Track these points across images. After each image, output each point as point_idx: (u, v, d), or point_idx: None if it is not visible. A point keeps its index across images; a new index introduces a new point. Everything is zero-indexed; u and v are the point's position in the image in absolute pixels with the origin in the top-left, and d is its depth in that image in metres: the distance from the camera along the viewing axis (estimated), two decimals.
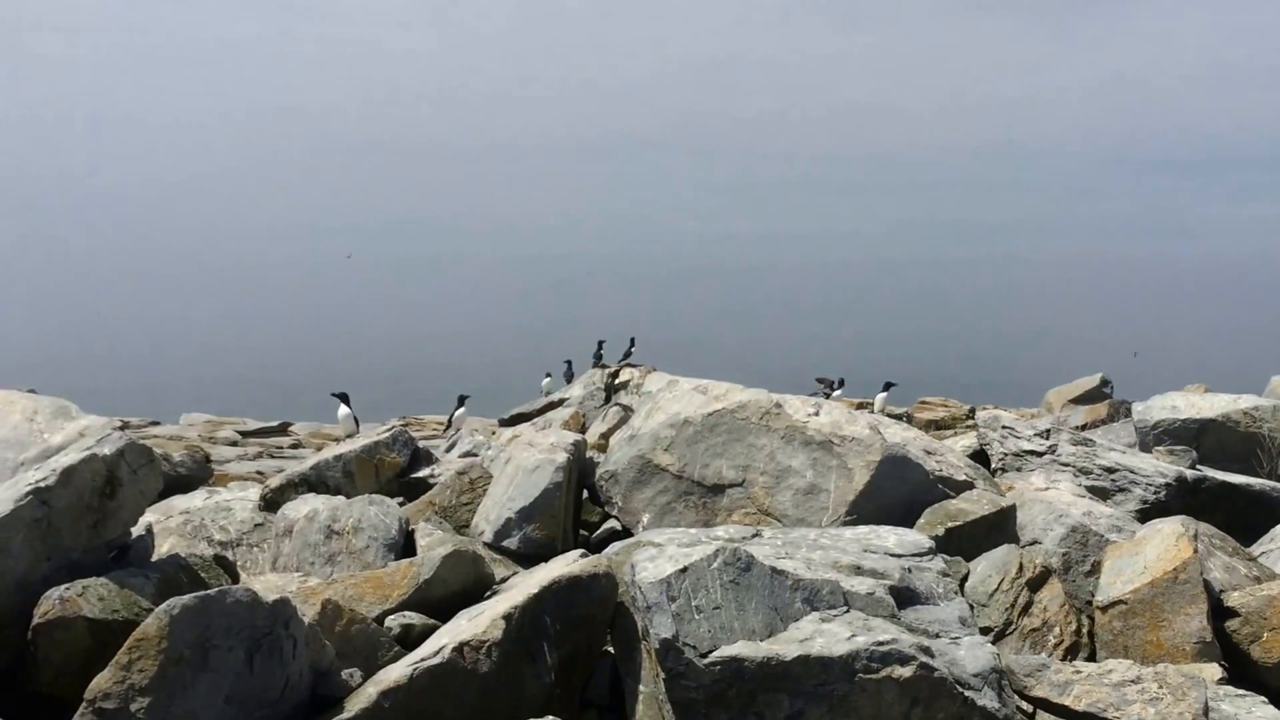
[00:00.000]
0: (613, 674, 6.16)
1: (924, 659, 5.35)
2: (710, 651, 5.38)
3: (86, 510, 6.03)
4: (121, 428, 6.51)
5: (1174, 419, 10.86)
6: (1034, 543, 7.88)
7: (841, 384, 17.29)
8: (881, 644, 5.36)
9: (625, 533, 8.35)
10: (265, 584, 6.63)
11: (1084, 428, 13.30)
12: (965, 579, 7.04)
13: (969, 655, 5.51)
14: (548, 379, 18.85)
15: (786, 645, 5.39)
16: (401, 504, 8.69)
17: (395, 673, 5.54)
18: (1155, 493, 9.03)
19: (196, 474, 11.31)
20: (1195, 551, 6.74)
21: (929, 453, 8.87)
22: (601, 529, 8.78)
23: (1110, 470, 9.32)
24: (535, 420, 14.46)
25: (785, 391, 9.07)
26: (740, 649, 5.36)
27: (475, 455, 10.55)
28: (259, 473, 12.99)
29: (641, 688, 5.80)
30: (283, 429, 19.16)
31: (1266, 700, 5.85)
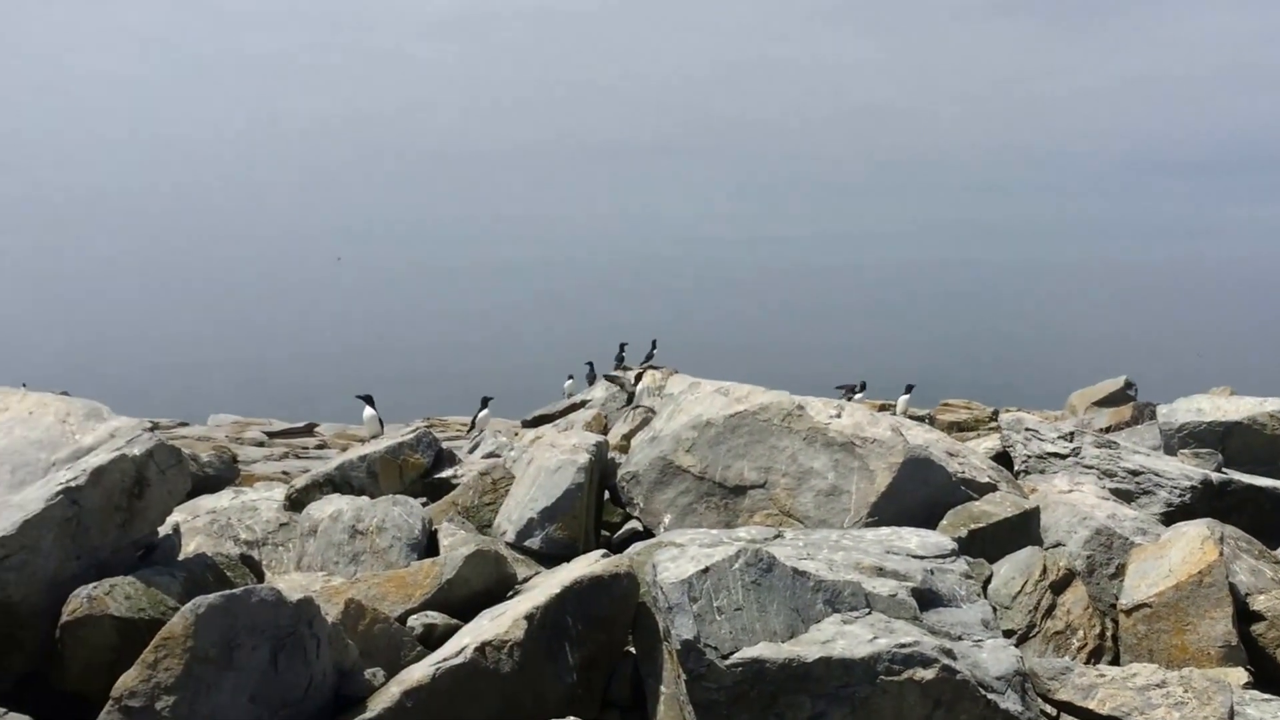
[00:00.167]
0: (634, 675, 6.18)
1: (946, 661, 5.34)
2: (732, 653, 5.39)
3: (115, 510, 6.12)
4: (151, 429, 6.59)
5: (1199, 421, 10.75)
6: (1057, 545, 7.84)
7: (863, 387, 17.23)
8: (904, 646, 5.36)
9: (647, 533, 8.38)
10: (290, 583, 6.70)
11: (1108, 430, 13.19)
12: (988, 581, 7.02)
13: (992, 658, 5.50)
14: (570, 381, 18.92)
15: (808, 647, 5.39)
16: (425, 504, 8.75)
17: (418, 672, 5.59)
18: (1180, 495, 8.96)
19: (223, 474, 11.45)
20: (1221, 554, 6.69)
21: (951, 454, 8.85)
22: (623, 529, 8.81)
23: (1135, 473, 9.26)
24: (557, 422, 14.52)
25: (807, 395, 9.07)
26: (762, 650, 5.38)
27: (498, 456, 10.62)
28: (285, 473, 13.13)
29: (663, 688, 5.82)
30: (308, 430, 19.34)
31: None
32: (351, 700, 5.58)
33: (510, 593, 6.78)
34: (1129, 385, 17.47)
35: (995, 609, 6.42)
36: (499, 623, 5.84)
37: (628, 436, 11.02)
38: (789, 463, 8.19)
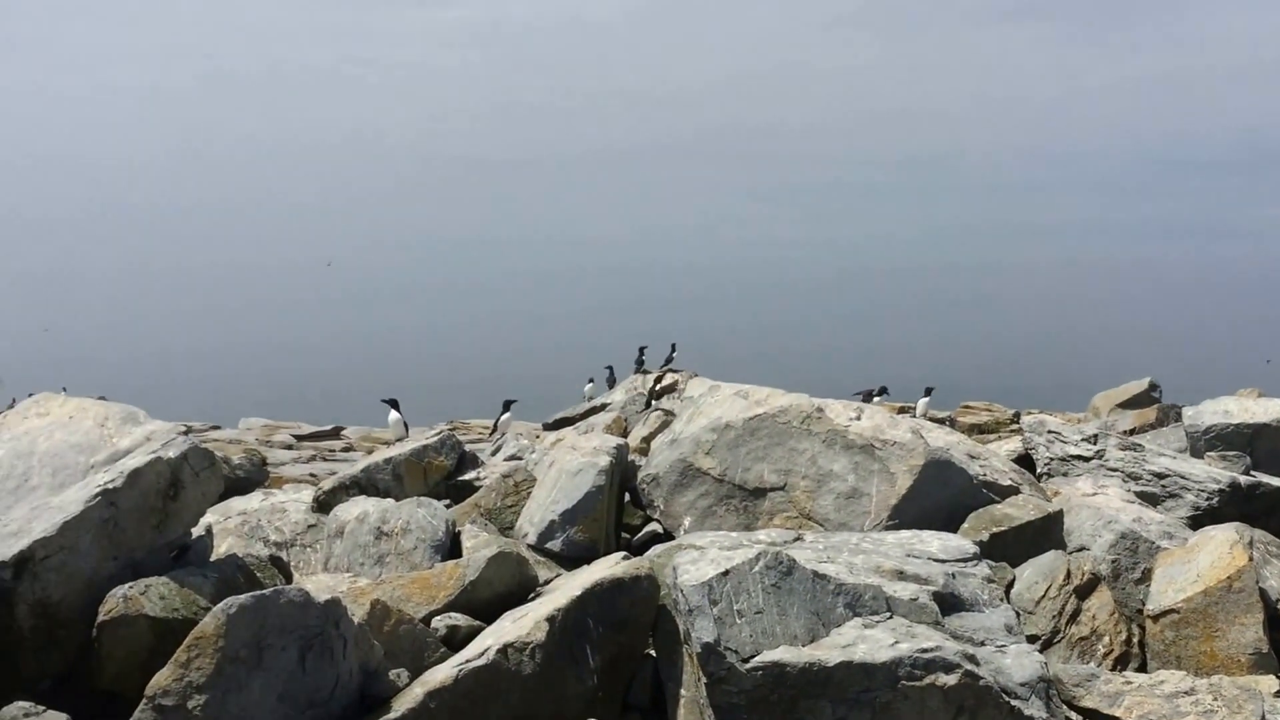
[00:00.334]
0: (654, 677, 6.17)
1: (969, 667, 5.29)
2: (752, 656, 5.37)
3: (151, 511, 6.23)
4: (185, 432, 6.70)
5: (1226, 424, 10.61)
6: (1082, 549, 7.75)
7: (884, 392, 17.11)
8: (925, 651, 5.32)
9: (667, 535, 8.37)
10: (317, 584, 6.78)
11: (1132, 432, 13.03)
12: (1011, 585, 6.95)
13: (1016, 664, 5.45)
14: (590, 384, 18.97)
15: (829, 651, 5.36)
16: (448, 506, 8.81)
17: (441, 673, 5.62)
18: (1208, 499, 8.84)
19: (254, 476, 11.60)
20: (1250, 559, 6.59)
21: (973, 457, 8.77)
22: (643, 532, 8.80)
23: (1160, 476, 9.14)
24: (578, 424, 14.54)
25: (826, 399, 9.03)
26: (782, 654, 5.35)
27: (520, 459, 10.66)
28: (312, 475, 13.27)
29: (683, 691, 5.80)
30: (335, 433, 19.57)
31: None
32: (377, 700, 5.63)
33: (532, 595, 6.80)
34: (1153, 387, 17.25)
35: (1018, 614, 6.35)
36: (521, 624, 5.85)
37: (647, 439, 11.01)
38: (808, 465, 8.15)
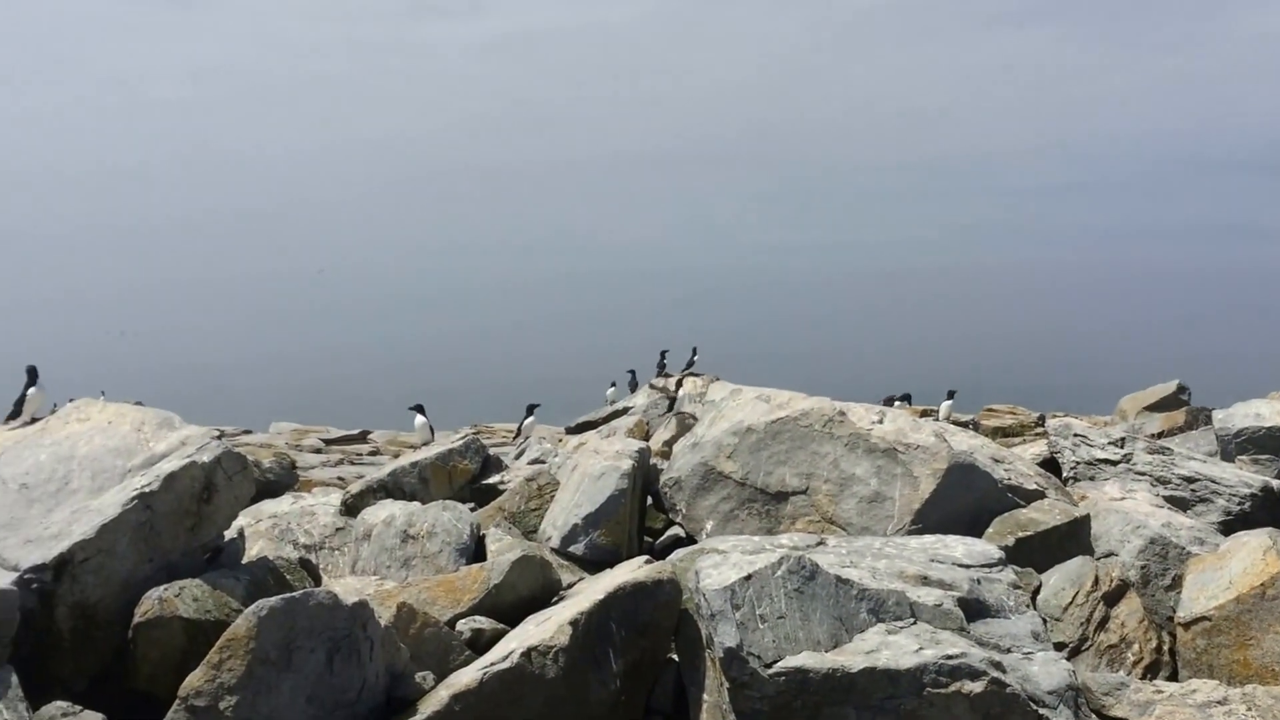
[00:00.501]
0: (677, 682, 6.15)
1: (996, 674, 5.23)
2: (775, 662, 5.33)
3: (185, 514, 6.33)
4: (218, 437, 6.80)
5: (1258, 427, 10.43)
6: (1109, 555, 7.64)
7: (907, 399, 16.98)
8: (951, 657, 5.25)
9: (689, 539, 8.35)
10: (345, 586, 6.84)
11: (1160, 436, 12.85)
12: (1037, 591, 6.86)
13: (1043, 671, 5.37)
14: (612, 388, 19.02)
15: (852, 657, 5.31)
16: (473, 509, 8.88)
17: (466, 676, 5.64)
18: (1239, 504, 8.70)
19: (284, 480, 11.76)
20: None
21: (997, 460, 8.68)
22: (665, 535, 8.80)
23: (1190, 480, 9.01)
24: (600, 428, 14.59)
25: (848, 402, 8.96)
26: (805, 660, 5.31)
27: (543, 462, 10.71)
28: (340, 479, 13.44)
29: (705, 696, 5.77)
30: (362, 437, 19.89)
31: None
32: (402, 703, 5.67)
33: (555, 598, 6.82)
34: (1182, 389, 16.99)
35: (1045, 620, 6.27)
36: (544, 628, 5.86)
37: (669, 442, 11.01)
38: (831, 469, 8.10)
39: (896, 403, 16.33)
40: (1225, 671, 6.21)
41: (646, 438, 12.78)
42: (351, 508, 9.19)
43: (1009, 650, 5.51)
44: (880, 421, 8.35)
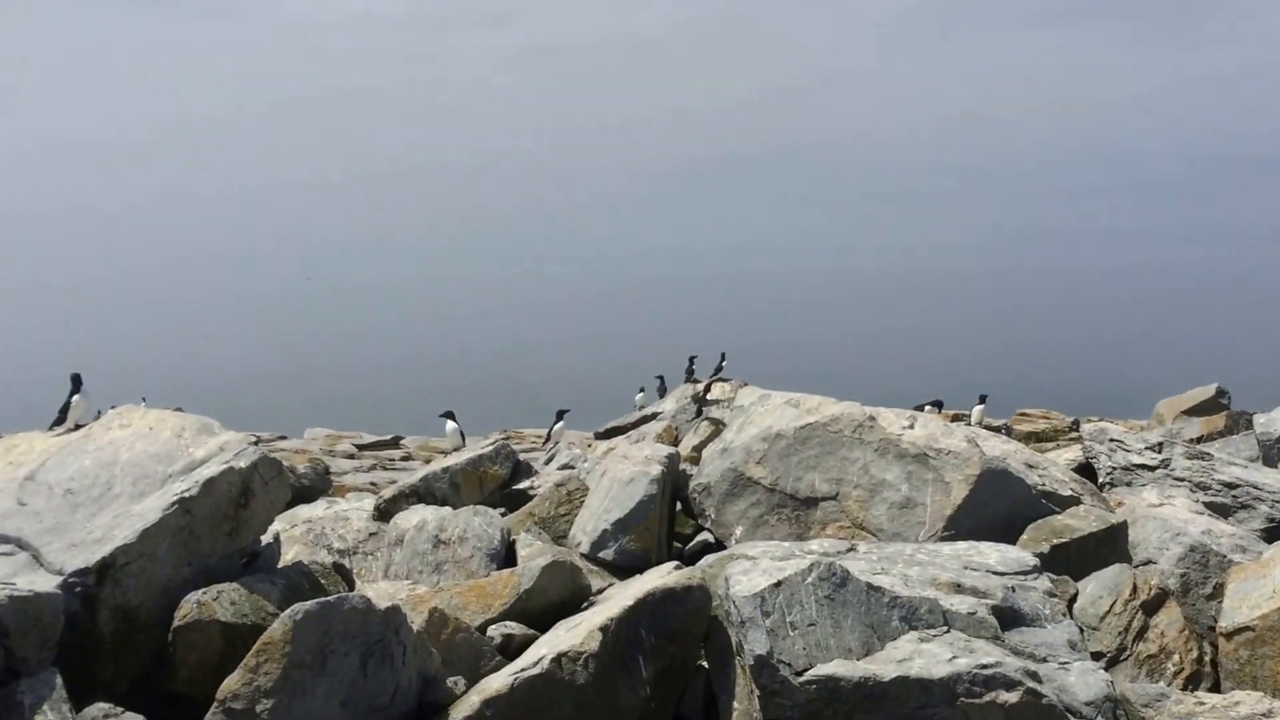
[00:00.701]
0: (706, 689, 6.13)
1: (1031, 684, 5.15)
2: (805, 669, 5.29)
3: (224, 519, 6.43)
4: (255, 442, 6.90)
5: None
6: (1148, 562, 7.51)
7: (939, 406, 16.83)
8: (985, 667, 5.19)
9: (718, 545, 8.33)
10: (378, 591, 6.91)
11: (1199, 440, 12.61)
12: (1073, 600, 6.75)
13: (1080, 682, 5.28)
14: (641, 394, 19.05)
15: (884, 665, 5.26)
16: (503, 514, 8.93)
17: (497, 682, 5.67)
18: None
19: (318, 485, 11.91)
20: None
21: (1030, 466, 8.56)
22: (694, 541, 8.77)
23: (1231, 486, 8.82)
24: (630, 433, 14.60)
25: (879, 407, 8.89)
26: (836, 668, 5.26)
27: (572, 468, 10.74)
28: (373, 484, 13.62)
29: (735, 704, 5.75)
30: (394, 443, 20.18)
31: None
32: (434, 707, 5.71)
33: (585, 604, 6.84)
34: (1221, 393, 16.65)
35: (1082, 630, 6.17)
36: (575, 634, 5.87)
37: (698, 448, 10.98)
38: (861, 474, 8.04)
39: (927, 408, 16.18)
40: (1270, 683, 6.07)
41: (675, 443, 12.76)
42: (384, 513, 9.29)
43: (1045, 660, 5.42)
44: (911, 427, 8.28)
